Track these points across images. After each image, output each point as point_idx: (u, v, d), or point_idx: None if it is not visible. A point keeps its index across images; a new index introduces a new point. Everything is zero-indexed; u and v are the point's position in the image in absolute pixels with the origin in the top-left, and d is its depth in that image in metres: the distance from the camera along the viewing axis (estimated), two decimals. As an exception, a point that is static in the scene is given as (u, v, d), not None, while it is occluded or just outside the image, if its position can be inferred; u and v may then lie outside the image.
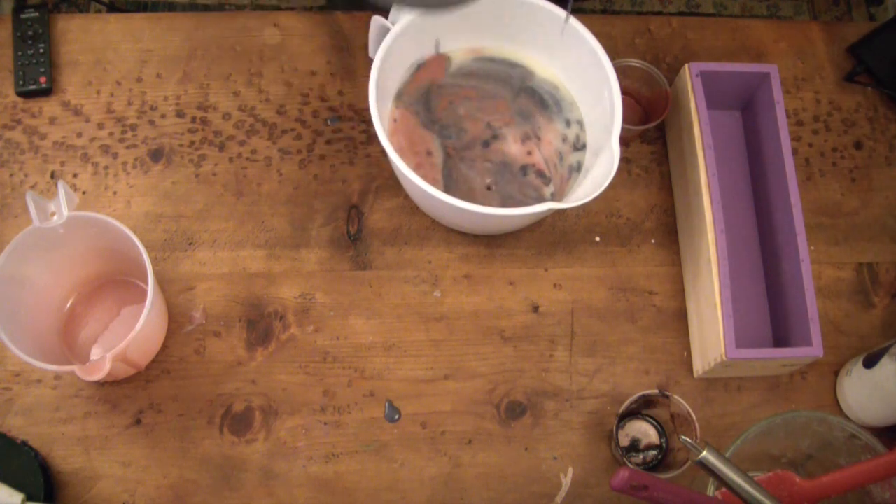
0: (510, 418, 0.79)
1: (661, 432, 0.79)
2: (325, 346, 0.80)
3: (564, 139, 0.83)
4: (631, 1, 1.80)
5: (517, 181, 0.82)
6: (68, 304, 0.79)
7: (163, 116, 0.87)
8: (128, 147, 0.86)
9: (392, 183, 0.86)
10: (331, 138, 0.88)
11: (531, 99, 0.84)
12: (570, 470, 0.78)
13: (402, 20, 0.76)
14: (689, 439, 0.62)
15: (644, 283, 0.85)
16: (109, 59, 0.89)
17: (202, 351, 0.79)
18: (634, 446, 0.78)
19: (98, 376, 0.65)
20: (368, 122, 0.88)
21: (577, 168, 0.81)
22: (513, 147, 0.83)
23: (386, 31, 0.76)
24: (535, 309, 0.83)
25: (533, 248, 0.85)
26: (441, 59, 0.84)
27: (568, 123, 0.83)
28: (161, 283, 0.81)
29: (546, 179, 0.82)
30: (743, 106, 0.90)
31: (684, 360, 0.82)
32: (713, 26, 0.96)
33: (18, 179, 0.84)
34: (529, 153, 0.83)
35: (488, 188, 0.82)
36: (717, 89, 0.85)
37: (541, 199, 0.81)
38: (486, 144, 0.83)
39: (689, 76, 0.82)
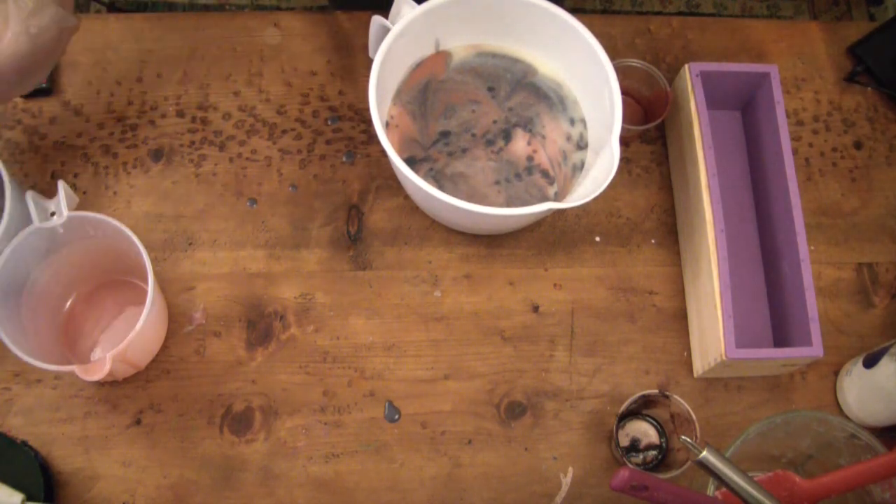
0: (510, 418, 0.79)
1: (661, 432, 0.79)
2: (325, 346, 0.80)
3: (569, 138, 0.83)
4: (631, 1, 1.80)
5: (522, 181, 0.82)
6: (68, 304, 0.79)
7: (163, 116, 0.87)
8: (128, 147, 0.86)
9: (392, 183, 0.86)
10: (331, 138, 0.88)
11: (536, 96, 0.84)
12: (570, 470, 0.78)
13: (402, 20, 0.76)
14: (689, 439, 0.62)
15: (644, 283, 0.85)
16: (109, 59, 0.89)
17: (202, 351, 0.79)
18: (634, 446, 0.78)
19: (98, 376, 0.65)
20: (368, 122, 0.88)
21: (580, 167, 0.81)
22: (517, 146, 0.83)
23: (386, 31, 0.76)
24: (535, 309, 0.83)
25: (533, 248, 0.85)
26: (442, 56, 0.84)
27: (572, 122, 0.83)
28: (161, 283, 0.81)
29: (550, 179, 0.82)
30: (743, 106, 0.90)
31: (684, 360, 0.82)
32: (713, 26, 0.96)
33: (18, 179, 0.84)
34: (535, 152, 0.83)
35: (493, 188, 0.82)
36: (717, 89, 0.85)
37: (545, 199, 0.81)
38: (489, 143, 0.83)
39: (689, 76, 0.83)
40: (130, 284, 0.80)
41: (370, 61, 0.76)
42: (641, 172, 0.89)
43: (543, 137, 0.83)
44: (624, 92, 0.84)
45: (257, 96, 0.89)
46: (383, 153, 0.87)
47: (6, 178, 0.69)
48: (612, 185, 0.85)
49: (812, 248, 0.87)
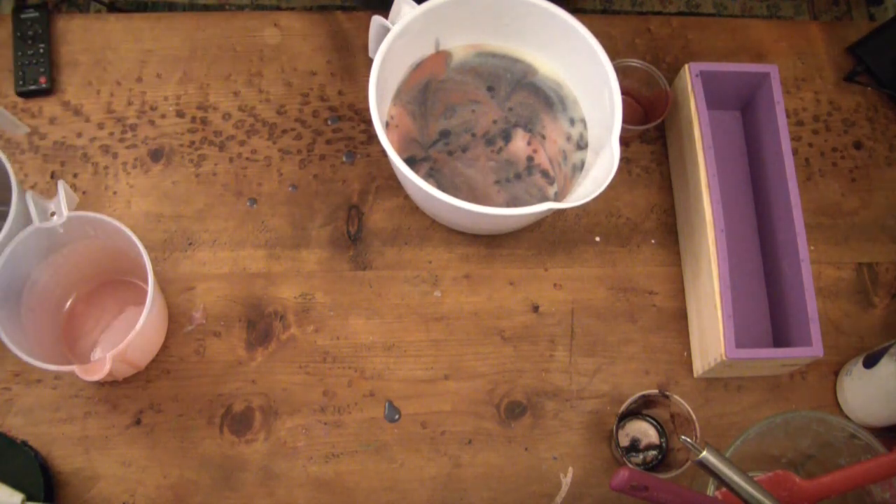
0: (510, 418, 0.79)
1: (661, 432, 0.79)
2: (325, 346, 0.80)
3: (569, 138, 0.83)
4: (631, 1, 1.80)
5: (522, 181, 0.82)
6: (68, 304, 0.79)
7: (163, 116, 0.87)
8: (128, 147, 0.86)
9: (392, 183, 0.86)
10: (331, 138, 0.88)
11: (536, 96, 0.84)
12: (570, 470, 0.78)
13: (401, 20, 0.76)
14: (689, 439, 0.62)
15: (644, 283, 0.85)
16: (109, 59, 0.89)
17: (202, 351, 0.79)
18: (634, 446, 0.78)
19: (98, 376, 0.65)
20: (368, 122, 0.88)
21: (580, 167, 0.81)
22: (517, 146, 0.83)
23: (386, 31, 0.76)
24: (535, 309, 0.83)
25: (533, 248, 0.85)
26: (442, 56, 0.84)
27: (572, 122, 0.83)
28: (161, 283, 0.81)
29: (550, 179, 0.82)
30: (743, 106, 0.90)
31: (684, 360, 0.82)
32: (713, 26, 0.96)
33: (18, 179, 0.84)
34: (535, 152, 0.83)
35: (493, 188, 0.82)
36: (717, 89, 0.85)
37: (545, 199, 0.81)
38: (489, 143, 0.83)
39: (689, 76, 0.82)
40: (130, 284, 0.80)
41: (370, 61, 0.76)
42: (641, 172, 0.89)
43: (543, 137, 0.83)
44: (624, 92, 0.84)
45: (257, 96, 0.89)
46: (383, 153, 0.87)
47: (13, 178, 0.69)
48: (612, 185, 0.85)
49: (812, 248, 0.87)
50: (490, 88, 0.84)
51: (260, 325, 0.80)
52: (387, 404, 0.79)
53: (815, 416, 0.69)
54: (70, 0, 1.64)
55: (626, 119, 0.83)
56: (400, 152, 0.80)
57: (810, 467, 0.74)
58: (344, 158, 0.87)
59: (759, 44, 0.95)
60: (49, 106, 0.86)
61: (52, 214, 0.70)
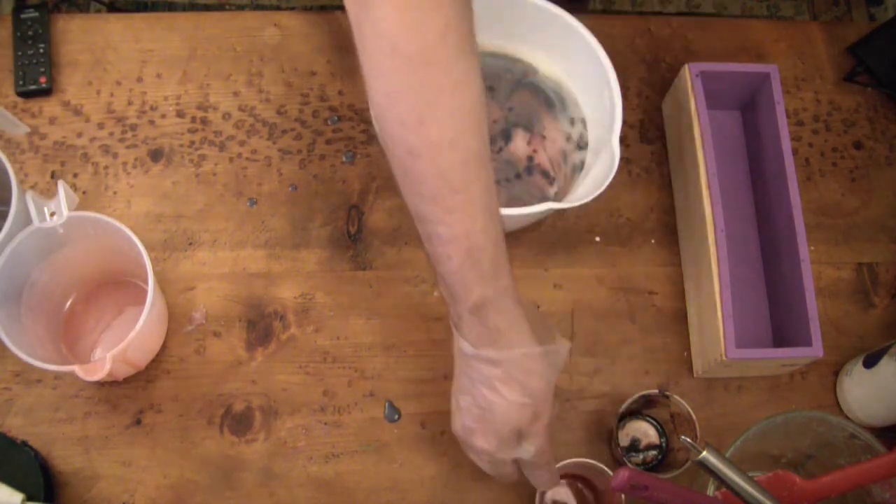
0: (510, 418, 0.79)
1: (661, 432, 0.79)
2: (325, 346, 0.80)
3: (569, 138, 0.83)
4: (631, 1, 1.80)
5: (522, 181, 0.82)
6: (68, 304, 0.79)
7: (163, 116, 0.87)
8: (128, 147, 0.86)
9: (392, 183, 0.86)
10: (331, 138, 0.88)
11: (536, 96, 0.84)
12: (570, 470, 0.78)
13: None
14: (689, 439, 0.62)
15: (644, 283, 0.84)
16: (109, 59, 0.89)
17: (202, 351, 0.79)
18: (634, 446, 0.78)
19: (98, 376, 0.65)
20: (368, 122, 0.88)
21: (580, 167, 0.81)
22: (517, 146, 0.83)
23: (386, 31, 0.76)
24: (536, 309, 0.83)
25: (533, 248, 0.85)
26: (441, 58, 0.84)
27: (572, 122, 0.83)
28: (161, 283, 0.81)
29: (550, 179, 0.82)
30: (743, 106, 0.90)
31: (684, 360, 0.82)
32: (713, 26, 0.96)
33: (18, 179, 0.84)
34: (535, 152, 0.83)
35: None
36: (717, 89, 0.85)
37: (545, 199, 0.81)
38: (489, 143, 0.83)
39: (689, 76, 0.82)
40: (130, 284, 0.80)
41: (370, 61, 0.76)
42: (641, 172, 0.89)
43: (543, 137, 0.83)
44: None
45: (257, 96, 0.89)
46: (383, 153, 0.87)
47: (13, 178, 0.69)
48: (612, 185, 0.84)
49: (812, 248, 0.87)
50: (490, 88, 0.84)
51: (260, 325, 0.80)
52: (387, 404, 0.79)
53: (815, 416, 0.69)
54: (70, 0, 1.64)
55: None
56: (400, 152, 0.80)
57: (810, 467, 0.74)
58: (344, 158, 0.87)
59: (759, 44, 0.95)
60: (49, 106, 0.86)
61: (52, 214, 0.70)
